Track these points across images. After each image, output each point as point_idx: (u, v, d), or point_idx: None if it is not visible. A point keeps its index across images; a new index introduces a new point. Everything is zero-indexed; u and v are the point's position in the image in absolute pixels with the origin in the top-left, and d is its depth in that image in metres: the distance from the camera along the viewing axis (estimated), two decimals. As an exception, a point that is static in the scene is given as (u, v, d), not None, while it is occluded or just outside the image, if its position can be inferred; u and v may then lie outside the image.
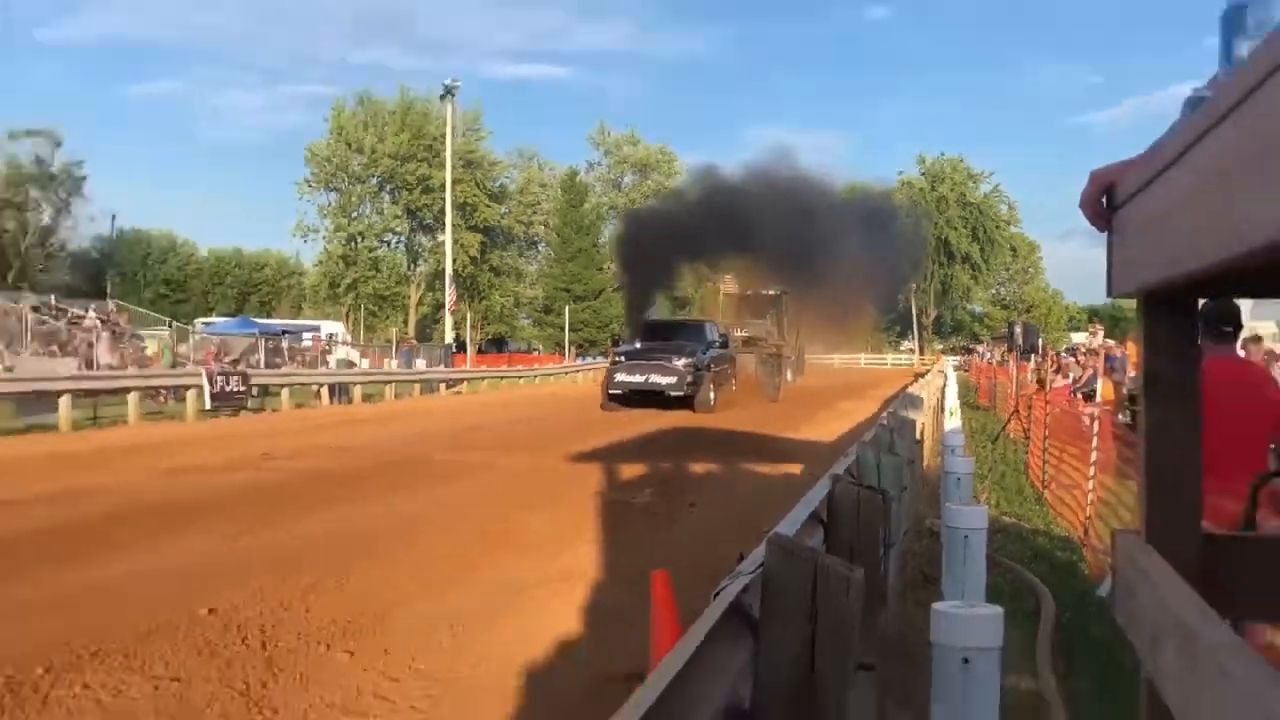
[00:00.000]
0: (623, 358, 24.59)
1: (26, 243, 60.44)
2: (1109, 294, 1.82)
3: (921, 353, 76.79)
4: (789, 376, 32.26)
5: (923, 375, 28.25)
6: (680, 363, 23.10)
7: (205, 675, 4.93)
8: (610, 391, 23.73)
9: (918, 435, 9.71)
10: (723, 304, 36.16)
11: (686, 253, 38.36)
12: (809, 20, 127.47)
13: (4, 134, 59.14)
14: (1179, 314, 1.76)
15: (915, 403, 11.74)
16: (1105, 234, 1.76)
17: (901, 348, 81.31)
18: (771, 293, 33.55)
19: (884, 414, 9.94)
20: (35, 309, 29.26)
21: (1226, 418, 4.53)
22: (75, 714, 4.42)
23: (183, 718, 4.42)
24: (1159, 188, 1.41)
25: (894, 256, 42.50)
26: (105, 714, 4.43)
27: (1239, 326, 5.42)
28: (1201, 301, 1.99)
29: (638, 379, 23.27)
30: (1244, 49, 1.54)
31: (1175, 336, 1.76)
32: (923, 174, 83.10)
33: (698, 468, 13.16)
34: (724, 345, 26.65)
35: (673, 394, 22.78)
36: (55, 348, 26.47)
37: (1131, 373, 15.51)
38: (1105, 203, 1.73)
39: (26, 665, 4.93)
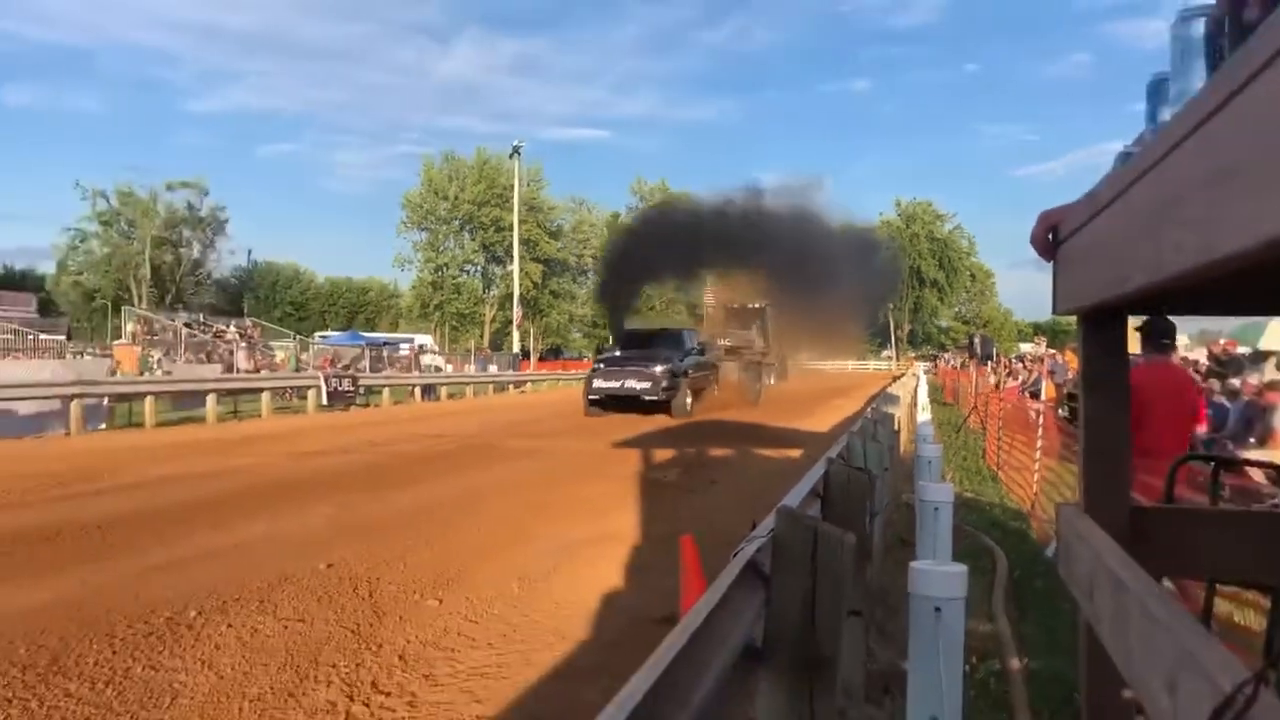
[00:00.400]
0: (602, 365, 20.89)
1: (180, 272, 61.87)
2: (1053, 312, 1.81)
3: (897, 360, 76.12)
4: (771, 382, 29.09)
5: (899, 378, 27.91)
6: (657, 369, 19.57)
7: (324, 617, 4.98)
8: (590, 397, 19.99)
9: (895, 426, 9.62)
10: (709, 315, 32.49)
11: (704, 258, 32.69)
12: (803, 91, 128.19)
13: (162, 185, 60.64)
14: (1111, 329, 1.75)
15: (893, 400, 11.64)
16: (1050, 263, 1.76)
17: (881, 356, 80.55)
18: (755, 306, 30.36)
19: (868, 409, 9.87)
20: (188, 325, 29.75)
21: (1162, 412, 4.49)
22: (221, 647, 4.47)
23: (306, 651, 4.45)
24: (1095, 226, 1.42)
25: (876, 282, 41.79)
26: (244, 647, 4.48)
27: (1174, 339, 5.36)
28: (1133, 320, 1.98)
29: (614, 385, 19.66)
30: (1166, 114, 1.54)
31: (1107, 347, 1.75)
32: (899, 214, 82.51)
33: (717, 452, 13.01)
34: (702, 352, 22.68)
35: (647, 399, 19.28)
36: (204, 355, 26.89)
37: (1070, 376, 15.34)
38: (1051, 238, 1.73)
39: (183, 607, 5.02)
